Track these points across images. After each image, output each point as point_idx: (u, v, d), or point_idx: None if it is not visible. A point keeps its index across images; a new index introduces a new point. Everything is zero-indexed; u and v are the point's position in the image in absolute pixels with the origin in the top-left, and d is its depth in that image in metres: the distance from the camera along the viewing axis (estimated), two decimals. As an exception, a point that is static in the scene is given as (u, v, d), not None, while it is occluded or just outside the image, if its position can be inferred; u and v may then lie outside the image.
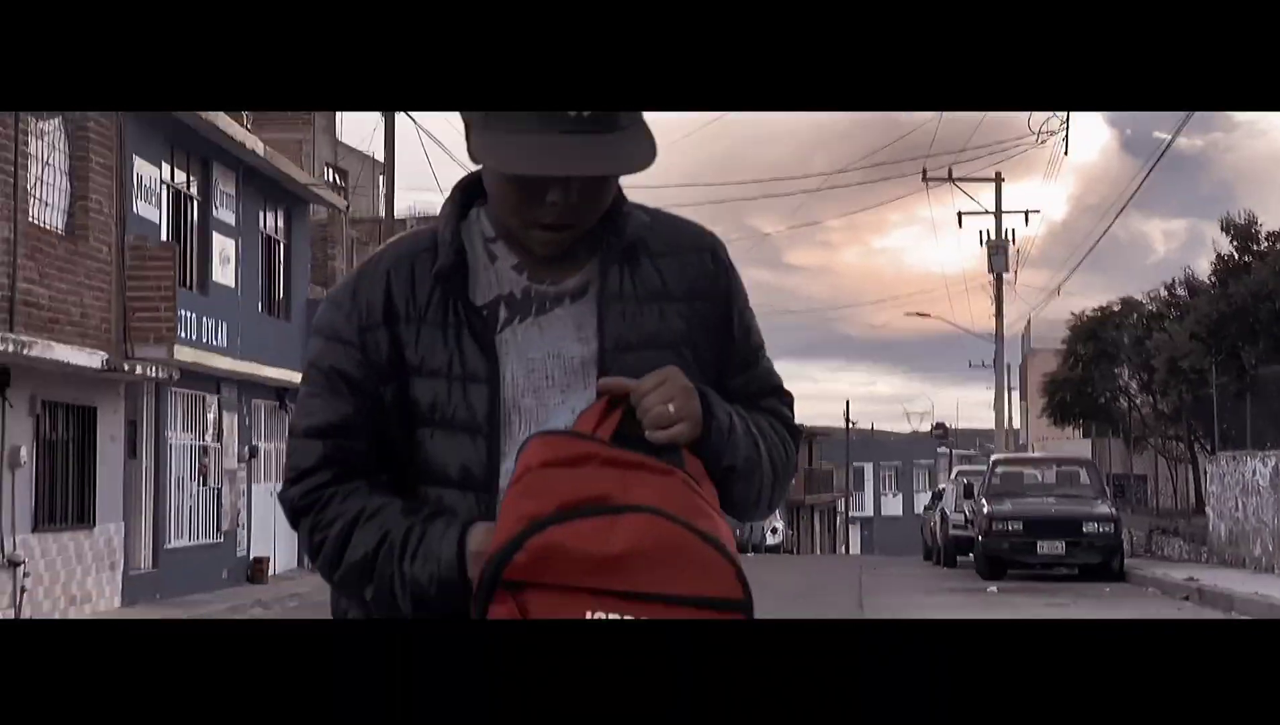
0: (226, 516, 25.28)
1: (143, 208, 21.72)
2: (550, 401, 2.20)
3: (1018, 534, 25.11)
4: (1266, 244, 26.30)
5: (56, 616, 18.66)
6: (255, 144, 24.82)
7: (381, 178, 33.03)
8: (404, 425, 2.22)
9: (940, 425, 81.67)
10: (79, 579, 19.68)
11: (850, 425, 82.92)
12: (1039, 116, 38.74)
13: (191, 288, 23.38)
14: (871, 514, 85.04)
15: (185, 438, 23.91)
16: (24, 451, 18.07)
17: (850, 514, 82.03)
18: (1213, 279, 27.58)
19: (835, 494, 77.16)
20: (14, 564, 17.84)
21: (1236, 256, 26.91)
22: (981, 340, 49.27)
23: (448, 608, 2.12)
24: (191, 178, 23.84)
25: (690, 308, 2.29)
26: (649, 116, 2.23)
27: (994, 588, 23.17)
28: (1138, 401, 34.66)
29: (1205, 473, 27.88)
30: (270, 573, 26.09)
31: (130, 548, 21.50)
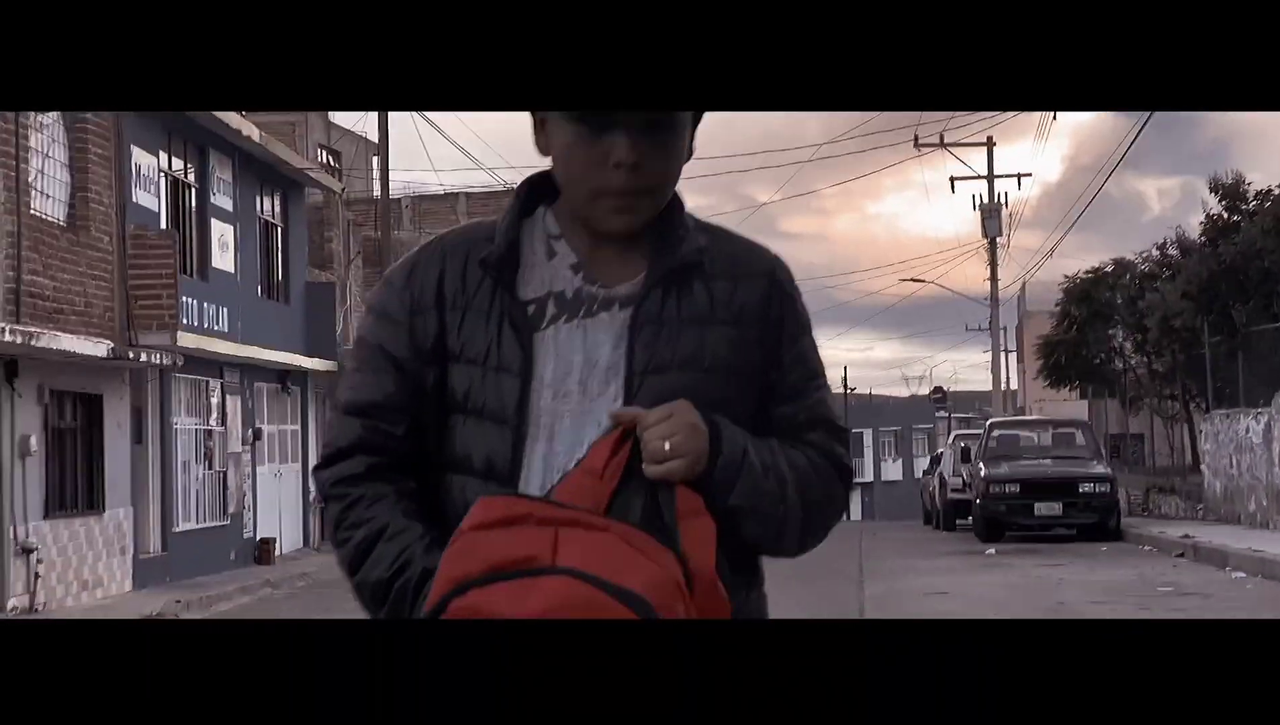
0: (232, 499, 25.56)
1: (142, 197, 21.94)
2: (580, 406, 2.20)
3: (1014, 496, 25.41)
4: (1255, 203, 26.51)
5: (70, 602, 18.96)
6: (251, 130, 25.01)
7: (375, 158, 33.18)
8: (440, 411, 2.25)
9: (939, 389, 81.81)
10: (90, 564, 19.97)
11: (849, 391, 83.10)
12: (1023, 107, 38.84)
13: (192, 274, 23.61)
14: (871, 479, 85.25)
15: (190, 422, 24.17)
16: (33, 440, 18.34)
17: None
18: (1203, 238, 27.79)
19: (835, 460, 76.97)
20: (27, 551, 18.12)
21: (1225, 216, 27.14)
22: (977, 304, 49.57)
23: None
24: (189, 166, 24.06)
25: (737, 332, 2.27)
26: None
27: (992, 549, 23.47)
28: (1132, 362, 34.90)
29: (1200, 431, 28.15)
30: (277, 553, 26.38)
31: (139, 532, 21.78)
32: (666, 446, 2.13)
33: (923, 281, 51.29)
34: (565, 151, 2.24)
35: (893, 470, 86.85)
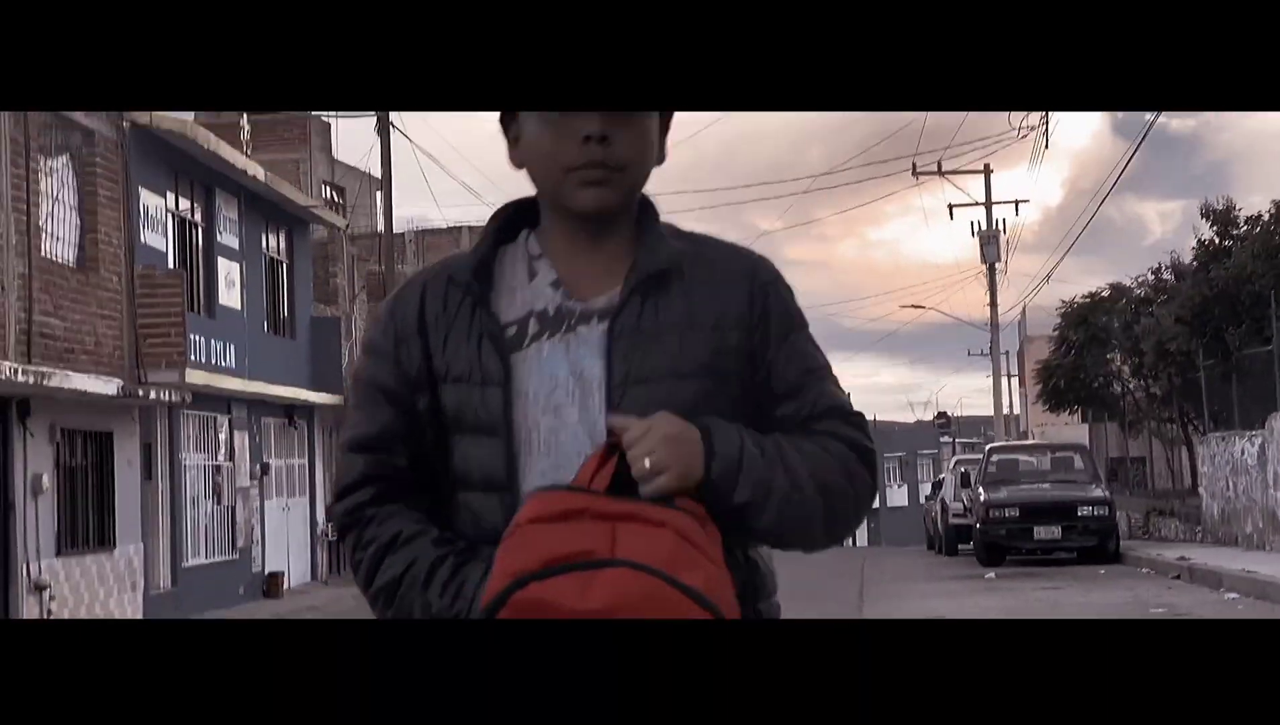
0: (241, 533, 25.87)
1: (150, 237, 22.34)
2: (569, 420, 2.22)
3: (1014, 520, 25.65)
4: (1245, 228, 26.84)
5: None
6: (256, 170, 25.42)
7: (379, 193, 33.55)
8: (438, 434, 2.28)
9: (942, 414, 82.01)
10: (102, 600, 20.28)
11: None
12: (1018, 112, 39.26)
13: (199, 312, 23.98)
14: (877, 505, 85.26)
15: (198, 458, 24.50)
16: (45, 478, 18.68)
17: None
18: (1195, 263, 28.12)
19: (840, 486, 76.85)
20: (40, 588, 18.44)
21: (1217, 241, 27.47)
22: (979, 329, 49.82)
23: None
24: (195, 205, 24.46)
25: (719, 337, 2.26)
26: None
27: (992, 573, 23.69)
28: (1130, 385, 35.16)
29: (1199, 454, 28.42)
30: (285, 586, 26.67)
31: (150, 568, 22.10)
32: (647, 463, 2.11)
33: (923, 307, 51.83)
34: (536, 137, 2.27)
35: (898, 496, 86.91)
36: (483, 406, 2.24)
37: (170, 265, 22.87)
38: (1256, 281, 24.68)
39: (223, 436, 25.41)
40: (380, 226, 33.54)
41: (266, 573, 26.54)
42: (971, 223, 45.04)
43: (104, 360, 20.41)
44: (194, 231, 24.50)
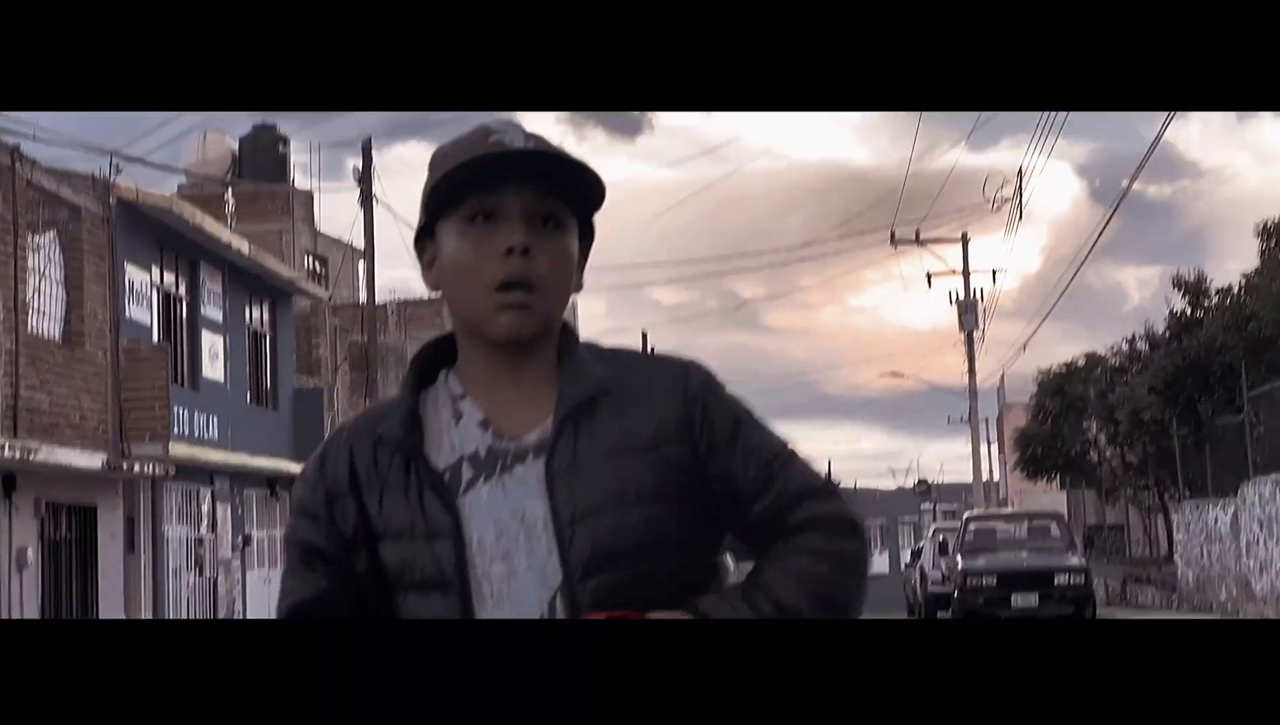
0: (223, 605, 25.95)
1: (135, 311, 22.60)
2: (519, 567, 2.13)
3: (992, 588, 25.77)
4: (1216, 299, 27.27)
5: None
6: (240, 243, 25.72)
7: (361, 263, 33.84)
8: (381, 593, 2.19)
9: (923, 481, 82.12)
10: (85, 672, 20.35)
11: (835, 485, 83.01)
12: (993, 183, 39.76)
13: (183, 384, 24.19)
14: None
15: (181, 530, 24.63)
16: (30, 552, 18.83)
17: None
18: (1167, 333, 28.53)
19: (821, 554, 76.78)
20: (24, 661, 18.53)
21: (1189, 312, 27.89)
22: (957, 396, 50.11)
23: None
24: (180, 279, 24.73)
25: (659, 456, 2.16)
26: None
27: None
28: (1107, 453, 35.48)
29: (1174, 521, 28.71)
30: (268, 658, 26.70)
31: (132, 640, 22.16)
32: None
33: (902, 375, 51.92)
34: (455, 251, 2.18)
35: (879, 563, 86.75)
36: (431, 561, 2.14)
37: (155, 339, 23.12)
38: (1227, 352, 25.07)
39: (205, 508, 25.55)
40: (362, 297, 33.80)
41: (248, 644, 26.53)
42: (949, 291, 45.43)
43: (89, 434, 20.60)
44: (178, 305, 24.76)
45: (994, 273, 45.64)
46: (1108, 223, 37.04)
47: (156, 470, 21.83)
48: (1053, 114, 24.98)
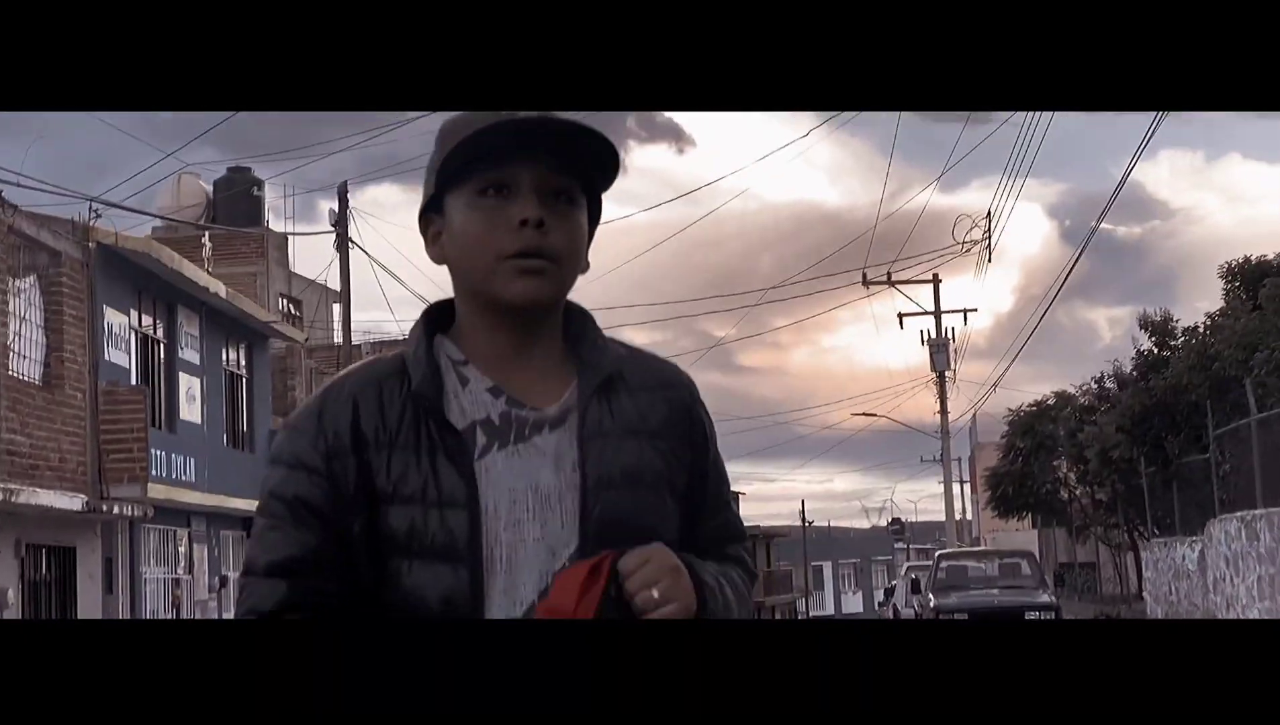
0: (200, 646, 26.01)
1: (114, 354, 22.78)
2: (529, 535, 2.09)
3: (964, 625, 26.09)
4: (1182, 339, 27.68)
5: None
6: (217, 286, 25.93)
7: (336, 306, 34.01)
8: (375, 558, 2.09)
9: (896, 520, 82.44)
10: (63, 714, 20.44)
11: (807, 524, 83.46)
12: (963, 226, 40.22)
13: (160, 427, 24.35)
14: (832, 612, 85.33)
15: (158, 571, 24.74)
16: (11, 594, 18.95)
17: (811, 613, 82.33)
18: (1135, 373, 28.93)
19: (795, 594, 77.02)
20: (3, 702, 18.63)
21: (1155, 351, 28.30)
22: (930, 436, 50.39)
23: None
24: (157, 322, 24.92)
25: (667, 445, 2.20)
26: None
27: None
28: (1077, 492, 35.84)
29: (1143, 559, 29.04)
30: (244, 699, 26.76)
31: (110, 681, 22.23)
32: (655, 594, 2.03)
33: (874, 415, 52.08)
34: (464, 225, 2.14)
35: (853, 602, 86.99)
36: (442, 529, 2.07)
37: (133, 382, 23.30)
38: (1193, 392, 25.44)
39: (182, 549, 25.67)
40: (337, 338, 33.96)
41: (225, 685, 26.58)
42: (921, 331, 45.73)
43: (68, 476, 20.75)
44: (156, 348, 24.94)
45: (965, 313, 46.07)
46: (1076, 262, 37.63)
47: (135, 512, 21.98)
48: (1023, 153, 25.38)
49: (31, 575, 20.04)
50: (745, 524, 2.45)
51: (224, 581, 27.52)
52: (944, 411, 45.82)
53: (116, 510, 21.39)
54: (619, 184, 2.22)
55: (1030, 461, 36.13)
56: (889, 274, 44.91)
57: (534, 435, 2.14)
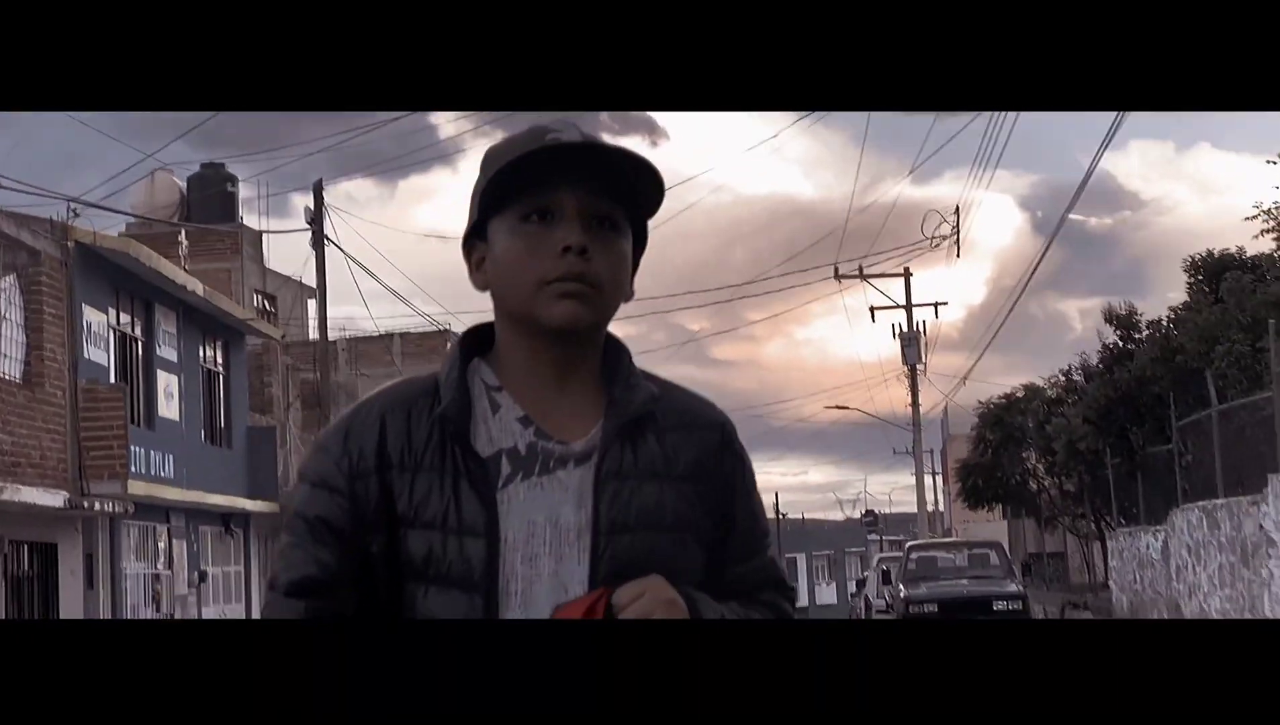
0: (180, 640, 26.23)
1: (92, 352, 23.03)
2: (545, 570, 2.07)
3: (933, 615, 26.46)
4: (1146, 332, 28.11)
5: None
6: (195, 284, 26.19)
7: (312, 302, 34.20)
8: (393, 581, 2.08)
9: (870, 512, 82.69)
10: (46, 707, 20.68)
11: (781, 516, 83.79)
12: (931, 221, 40.58)
13: (139, 424, 24.60)
14: (806, 604, 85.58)
15: (138, 567, 24.99)
16: (-7, 589, 19.21)
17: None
18: (1100, 365, 29.35)
19: (770, 585, 77.02)
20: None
21: (1120, 344, 28.72)
22: (902, 429, 50.76)
23: None
24: (136, 320, 25.17)
25: (694, 489, 2.16)
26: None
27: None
28: (1045, 483, 36.27)
29: (1110, 549, 29.49)
30: (224, 692, 26.99)
31: (91, 675, 22.46)
32: None
33: (846, 408, 52.36)
34: (508, 249, 2.12)
35: (827, 594, 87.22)
36: (460, 558, 2.05)
37: (112, 379, 23.55)
38: (1156, 384, 25.86)
39: (162, 545, 25.92)
40: (312, 334, 34.17)
41: (204, 679, 26.80)
42: (893, 324, 46.04)
43: (49, 473, 21.00)
44: (134, 346, 25.19)
45: (936, 306, 46.40)
46: (1045, 253, 38.02)
47: (115, 508, 22.23)
48: (993, 146, 25.68)
49: (14, 571, 20.30)
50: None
51: (203, 576, 27.76)
52: (915, 404, 46.16)
53: (97, 507, 21.66)
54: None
55: (1000, 453, 36.54)
56: (861, 268, 45.22)
57: (558, 469, 2.12)
